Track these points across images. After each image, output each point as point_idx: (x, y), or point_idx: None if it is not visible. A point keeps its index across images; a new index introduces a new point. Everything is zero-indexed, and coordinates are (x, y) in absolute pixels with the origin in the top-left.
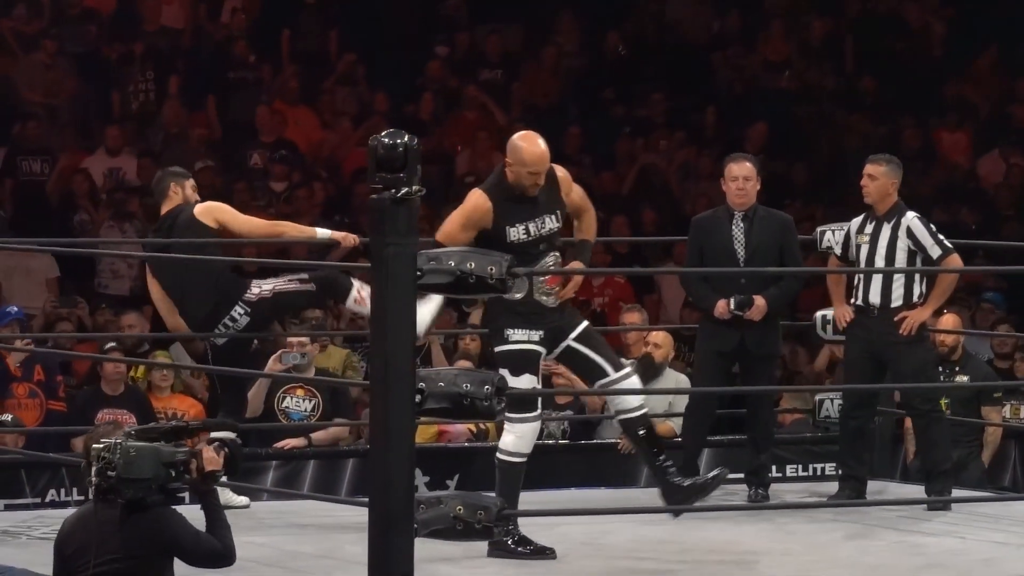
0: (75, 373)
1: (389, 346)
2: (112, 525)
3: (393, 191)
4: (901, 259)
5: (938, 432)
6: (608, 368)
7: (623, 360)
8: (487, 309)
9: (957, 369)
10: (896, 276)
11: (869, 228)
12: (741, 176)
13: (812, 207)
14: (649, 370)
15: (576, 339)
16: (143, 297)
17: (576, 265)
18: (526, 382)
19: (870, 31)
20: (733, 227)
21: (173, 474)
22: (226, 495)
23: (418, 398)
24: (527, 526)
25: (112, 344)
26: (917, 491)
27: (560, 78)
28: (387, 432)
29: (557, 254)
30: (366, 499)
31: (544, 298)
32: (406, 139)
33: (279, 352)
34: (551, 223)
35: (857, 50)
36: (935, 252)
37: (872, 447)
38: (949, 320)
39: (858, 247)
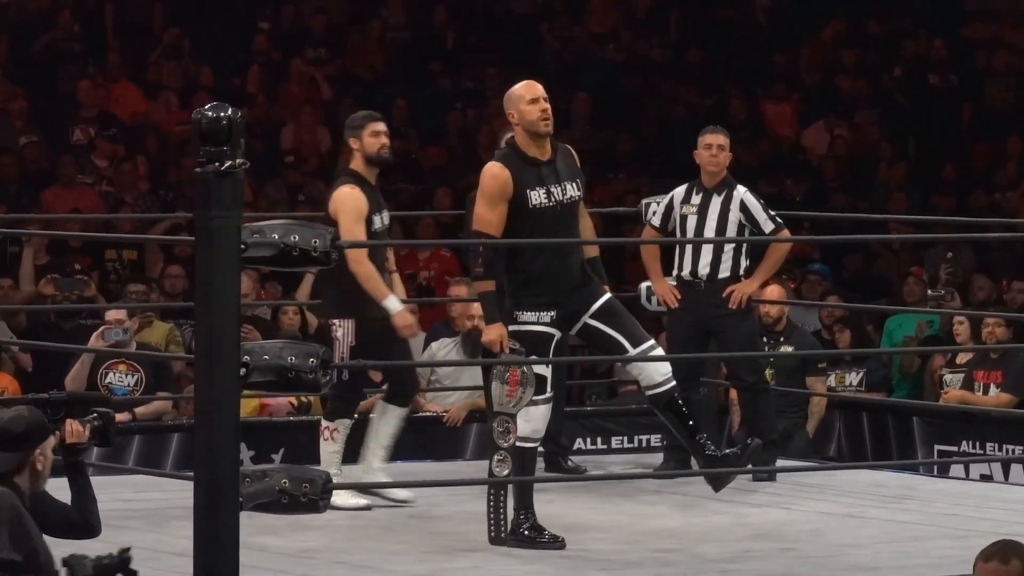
0: None
1: (214, 319)
2: None
3: (217, 164)
4: (732, 232)
5: (763, 403)
6: (625, 342)
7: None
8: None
9: (782, 340)
10: (725, 248)
11: (696, 199)
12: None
13: (638, 179)
14: (476, 343)
15: (593, 315)
16: None
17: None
18: (536, 366)
19: (696, 2)
20: None
21: None
22: (343, 497)
23: (243, 371)
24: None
25: None
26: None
27: (386, 51)
28: (212, 405)
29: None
30: (191, 473)
31: (504, 407)
32: (230, 112)
33: (101, 328)
34: (572, 191)
35: (683, 21)
36: (768, 227)
37: (698, 418)
38: (773, 291)
39: (683, 218)
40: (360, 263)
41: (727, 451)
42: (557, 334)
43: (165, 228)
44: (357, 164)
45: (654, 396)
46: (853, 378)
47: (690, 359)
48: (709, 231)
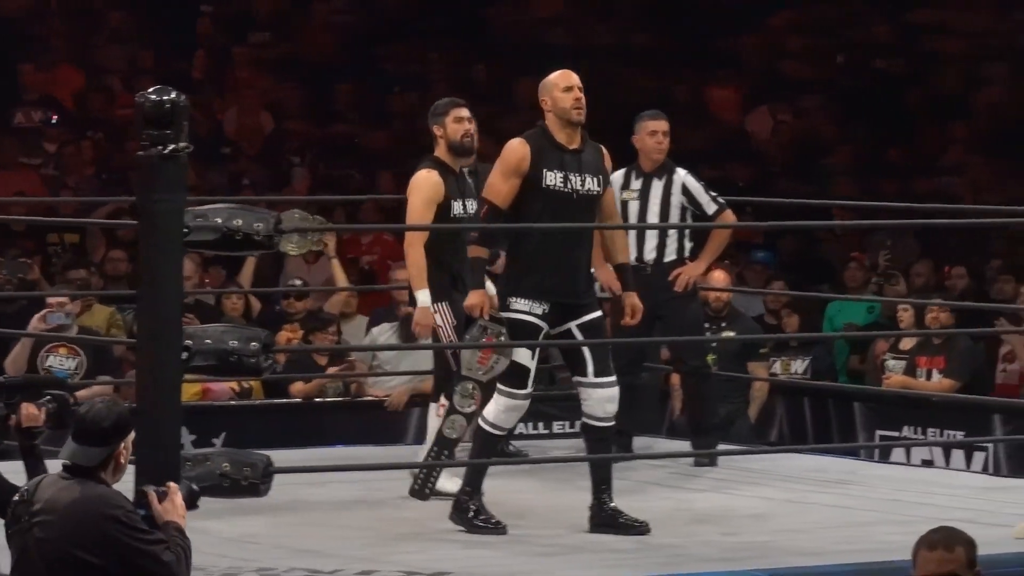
0: None
1: (156, 303)
2: None
3: (161, 147)
4: (675, 215)
5: (706, 388)
6: (590, 368)
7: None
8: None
9: (724, 325)
10: (669, 232)
11: (637, 184)
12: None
13: None
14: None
15: (580, 326)
16: None
17: (632, 300)
18: (522, 355)
19: None
20: None
21: None
22: (445, 481)
23: (185, 355)
24: (297, 483)
25: None
26: (684, 447)
27: (331, 35)
28: (154, 389)
29: (498, 329)
30: (132, 456)
31: (473, 372)
32: (174, 95)
33: (43, 312)
34: (592, 184)
35: (630, 5)
36: (711, 208)
37: (639, 403)
38: (720, 276)
39: (624, 204)
40: (411, 246)
41: (622, 518)
42: (545, 328)
43: (108, 212)
44: (440, 151)
45: (588, 427)
46: (799, 365)
47: (635, 344)
48: (652, 215)
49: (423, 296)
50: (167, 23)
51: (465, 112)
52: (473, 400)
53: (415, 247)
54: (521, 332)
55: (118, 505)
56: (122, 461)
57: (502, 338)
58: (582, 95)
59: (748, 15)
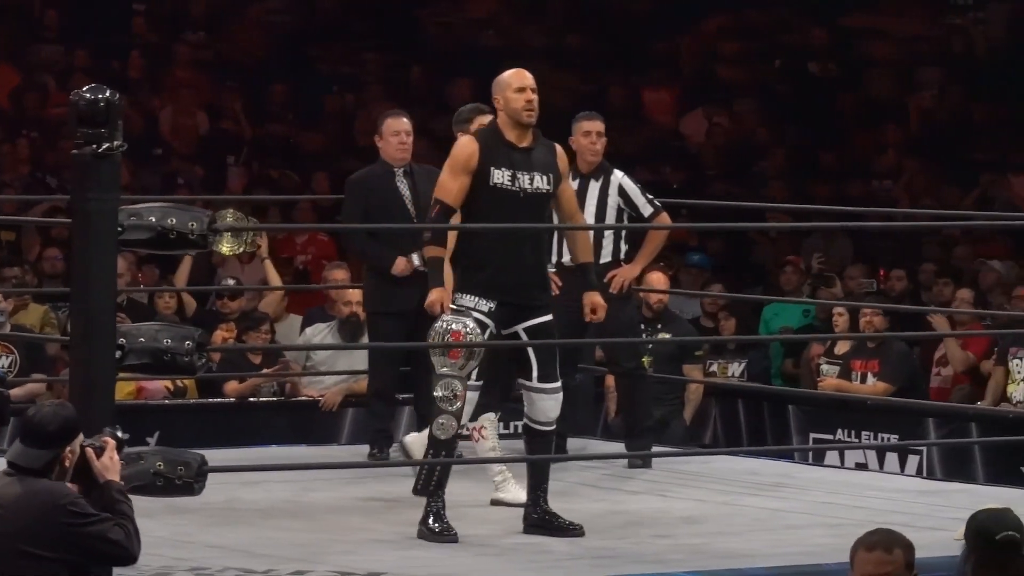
0: None
1: (90, 301)
2: None
3: (95, 146)
4: (611, 216)
5: (641, 390)
6: (535, 371)
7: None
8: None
9: (660, 327)
10: (605, 233)
11: (574, 185)
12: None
13: None
14: (354, 329)
15: (528, 329)
16: None
17: (593, 298)
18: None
19: None
20: (397, 183)
21: None
22: (512, 491)
23: (119, 353)
24: (231, 483)
25: None
26: (619, 449)
27: (265, 35)
28: (88, 387)
29: (463, 321)
30: None
31: (450, 369)
32: (108, 94)
33: None
34: (541, 183)
35: (563, 7)
36: (647, 211)
37: (574, 405)
38: (658, 279)
39: None
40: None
41: (556, 520)
42: (491, 326)
43: (43, 210)
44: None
45: (531, 429)
46: (736, 368)
47: (568, 345)
48: (588, 216)
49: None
50: (102, 22)
51: (491, 118)
52: (457, 398)
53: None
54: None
55: (63, 495)
56: (67, 464)
57: (469, 328)
58: (535, 96)
59: (682, 18)
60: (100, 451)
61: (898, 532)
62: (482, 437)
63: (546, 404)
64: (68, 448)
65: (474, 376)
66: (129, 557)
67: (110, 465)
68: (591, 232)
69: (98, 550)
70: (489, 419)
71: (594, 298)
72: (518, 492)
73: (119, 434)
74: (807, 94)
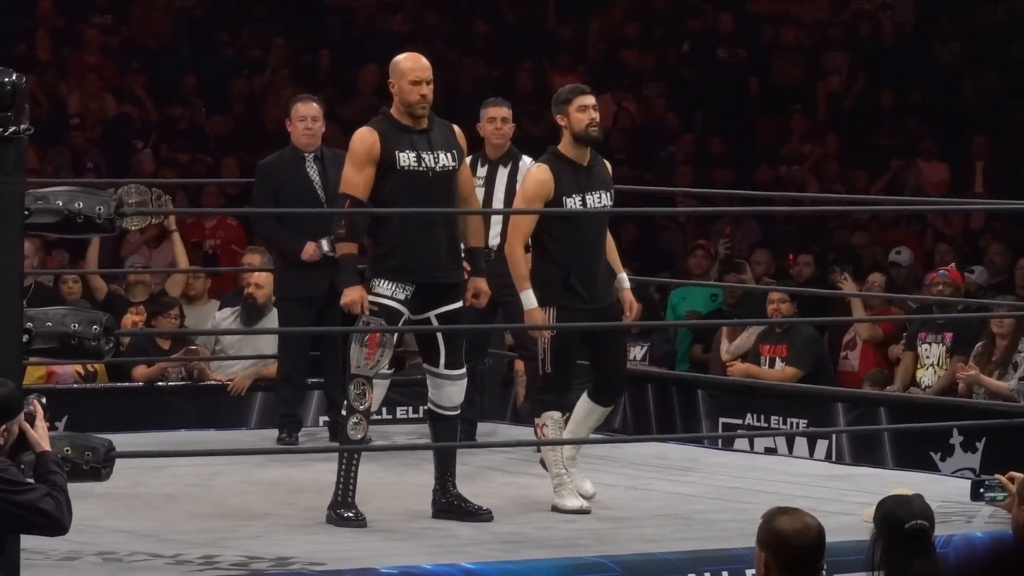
0: None
1: None
2: None
3: (1, 129)
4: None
5: None
6: (442, 358)
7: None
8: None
9: None
10: (496, 218)
11: (482, 171)
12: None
13: None
14: (252, 312)
15: (439, 315)
16: None
17: (478, 283)
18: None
19: None
20: (307, 168)
21: None
22: (567, 498)
23: (26, 338)
24: (139, 468)
25: None
26: (527, 433)
27: (172, 19)
28: None
29: (380, 323)
30: None
31: (362, 369)
32: (14, 77)
33: None
34: (446, 160)
35: None
36: None
37: (482, 389)
38: None
39: None
40: (512, 246)
41: (465, 505)
42: (406, 314)
43: None
44: (564, 143)
45: (435, 414)
46: (637, 352)
47: (477, 330)
48: (497, 202)
49: (528, 298)
50: (8, 4)
51: (590, 99)
52: (366, 397)
53: (515, 248)
54: (382, 317)
55: None
56: (2, 442)
57: (387, 338)
58: (429, 89)
59: (589, 2)
60: (31, 418)
61: (809, 513)
62: (543, 435)
63: (451, 390)
64: (3, 427)
65: (385, 366)
66: (59, 527)
67: (44, 434)
68: (482, 217)
69: (27, 519)
70: (552, 418)
71: (479, 284)
72: (573, 499)
73: (43, 400)
74: (715, 79)
